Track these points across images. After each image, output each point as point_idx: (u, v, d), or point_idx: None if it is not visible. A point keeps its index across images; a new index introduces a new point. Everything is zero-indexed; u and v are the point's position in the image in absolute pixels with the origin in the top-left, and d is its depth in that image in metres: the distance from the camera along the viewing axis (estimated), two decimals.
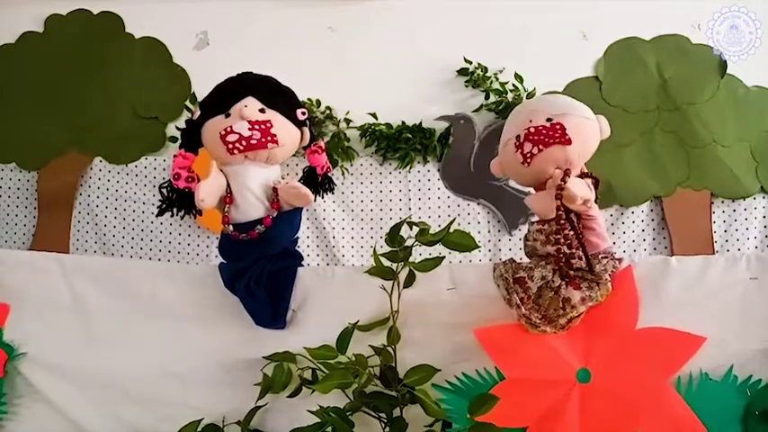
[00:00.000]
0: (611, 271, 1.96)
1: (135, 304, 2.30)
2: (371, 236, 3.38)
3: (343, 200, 3.39)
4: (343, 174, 3.37)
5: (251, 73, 2.32)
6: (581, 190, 1.94)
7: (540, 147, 1.98)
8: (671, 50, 3.37)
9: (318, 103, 3.37)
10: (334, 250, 3.35)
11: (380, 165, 3.41)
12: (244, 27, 3.48)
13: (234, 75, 2.30)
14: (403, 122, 3.34)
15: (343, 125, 3.38)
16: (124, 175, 3.42)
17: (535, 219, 2.15)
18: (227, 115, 2.18)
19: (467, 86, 3.37)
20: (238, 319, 2.18)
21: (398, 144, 3.33)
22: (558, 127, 1.99)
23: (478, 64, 3.35)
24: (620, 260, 2.01)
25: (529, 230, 2.13)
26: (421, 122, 3.35)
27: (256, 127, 2.14)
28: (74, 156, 3.42)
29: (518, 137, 2.06)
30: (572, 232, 1.96)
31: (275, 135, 2.17)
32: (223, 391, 2.20)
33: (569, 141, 1.98)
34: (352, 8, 3.45)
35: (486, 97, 3.34)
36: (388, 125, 3.35)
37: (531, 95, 3.31)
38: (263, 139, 2.15)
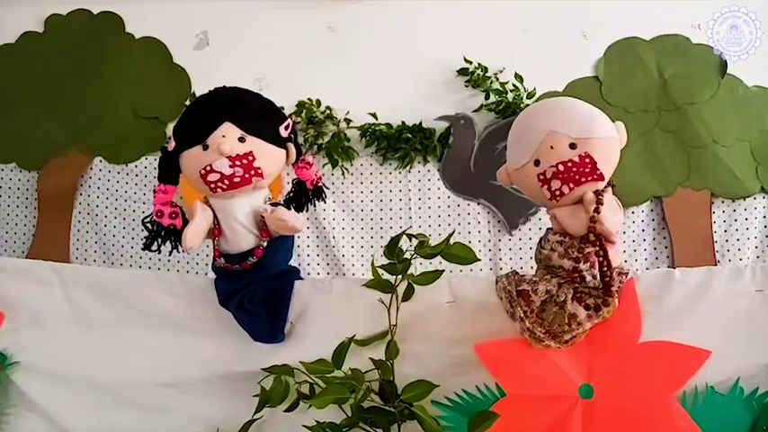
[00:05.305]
0: (618, 286, 1.86)
1: (133, 314, 2.19)
2: (371, 236, 3.32)
3: (343, 200, 3.33)
4: (343, 174, 3.30)
5: (225, 89, 2.09)
6: (613, 220, 1.80)
7: (572, 185, 1.83)
8: (671, 50, 3.29)
9: (318, 103, 3.30)
10: (334, 250, 3.29)
11: (380, 165, 3.34)
12: (244, 27, 3.41)
13: (206, 92, 2.08)
14: (403, 122, 3.27)
15: (343, 125, 3.30)
16: (124, 175, 3.36)
17: (551, 227, 2.02)
18: (205, 147, 1.97)
19: (467, 86, 3.30)
20: (237, 331, 2.07)
21: (398, 144, 3.26)
22: (588, 161, 1.80)
23: (478, 64, 3.27)
24: (626, 274, 1.90)
25: (548, 239, 1.95)
26: (421, 122, 3.27)
27: (237, 163, 1.92)
28: (74, 156, 3.37)
29: (537, 162, 1.86)
30: (596, 252, 1.83)
31: (258, 168, 1.97)
32: (221, 403, 2.10)
33: (602, 177, 1.81)
34: (352, 8, 3.38)
35: (487, 97, 3.26)
36: (388, 125, 3.27)
37: (531, 95, 3.23)
38: (247, 175, 1.96)
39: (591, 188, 1.83)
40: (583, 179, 1.83)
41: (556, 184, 1.85)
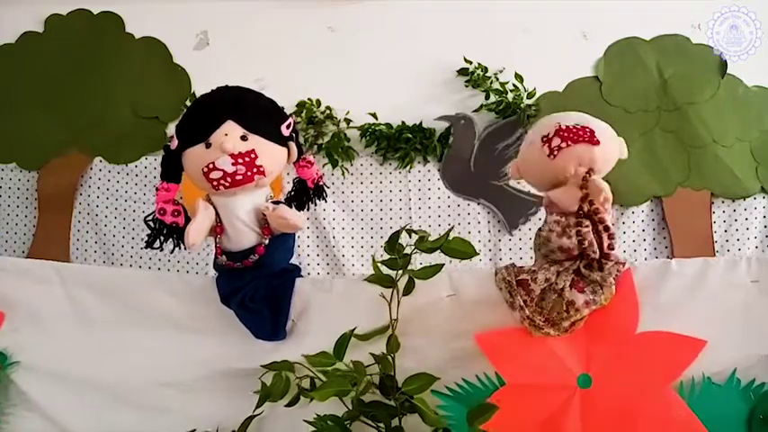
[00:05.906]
0: (615, 275, 1.89)
1: (133, 314, 2.17)
2: (371, 236, 3.31)
3: (344, 200, 3.33)
4: (343, 174, 3.29)
5: (228, 88, 2.10)
6: (605, 185, 1.89)
7: (569, 142, 1.92)
8: (671, 50, 3.30)
9: (318, 103, 3.30)
10: (334, 250, 3.29)
11: (380, 165, 3.34)
12: (244, 27, 3.41)
13: (209, 91, 2.09)
14: (403, 122, 3.26)
15: (343, 125, 3.30)
16: (124, 175, 3.36)
17: (552, 212, 2.06)
18: (208, 145, 1.97)
19: (467, 86, 3.30)
20: (238, 329, 2.05)
21: (398, 144, 3.26)
22: (587, 129, 1.94)
23: (478, 64, 3.27)
24: (623, 264, 1.93)
25: (545, 221, 2.01)
26: (421, 122, 3.27)
27: (240, 161, 1.94)
28: (74, 156, 3.36)
29: (546, 134, 1.99)
30: (590, 226, 1.89)
31: (261, 166, 1.97)
32: (222, 401, 2.09)
33: (598, 142, 1.90)
34: (352, 8, 3.38)
35: (487, 97, 3.27)
36: (388, 125, 3.27)
37: (531, 95, 3.24)
38: (249, 173, 1.96)
39: (586, 149, 1.94)
40: (580, 139, 1.93)
41: (555, 142, 1.96)
